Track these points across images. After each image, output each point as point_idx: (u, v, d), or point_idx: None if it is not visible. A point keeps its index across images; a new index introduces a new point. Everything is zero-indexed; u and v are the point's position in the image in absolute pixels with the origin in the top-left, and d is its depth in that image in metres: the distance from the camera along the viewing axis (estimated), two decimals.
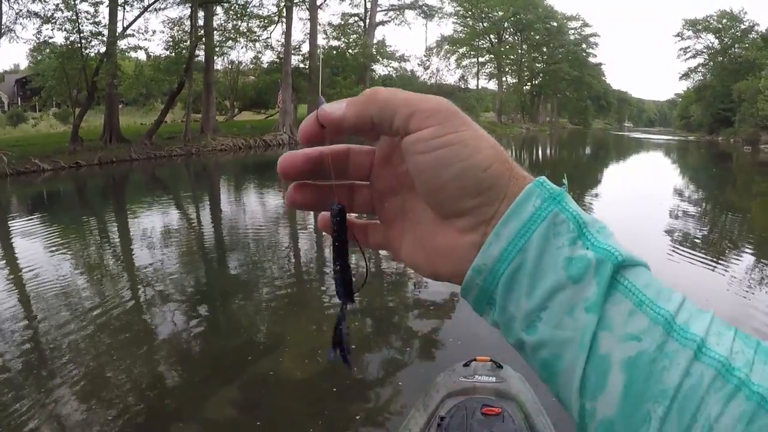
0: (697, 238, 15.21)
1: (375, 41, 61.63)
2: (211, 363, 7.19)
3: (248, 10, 47.14)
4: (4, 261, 12.84)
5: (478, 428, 2.97)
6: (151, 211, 19.66)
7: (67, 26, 35.67)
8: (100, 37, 36.83)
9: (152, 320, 8.79)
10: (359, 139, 0.54)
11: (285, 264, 12.14)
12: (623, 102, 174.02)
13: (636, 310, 0.51)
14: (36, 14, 35.68)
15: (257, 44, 53.42)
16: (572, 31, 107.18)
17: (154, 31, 59.98)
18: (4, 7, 33.75)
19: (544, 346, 0.55)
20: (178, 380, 6.78)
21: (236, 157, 41.47)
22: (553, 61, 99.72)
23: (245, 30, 47.32)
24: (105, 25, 37.18)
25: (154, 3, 40.21)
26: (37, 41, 36.71)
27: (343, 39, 59.70)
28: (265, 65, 61.71)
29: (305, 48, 58.11)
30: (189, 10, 41.81)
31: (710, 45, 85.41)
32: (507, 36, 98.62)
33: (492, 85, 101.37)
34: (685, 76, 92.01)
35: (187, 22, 42.00)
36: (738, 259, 12.66)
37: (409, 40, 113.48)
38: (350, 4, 68.66)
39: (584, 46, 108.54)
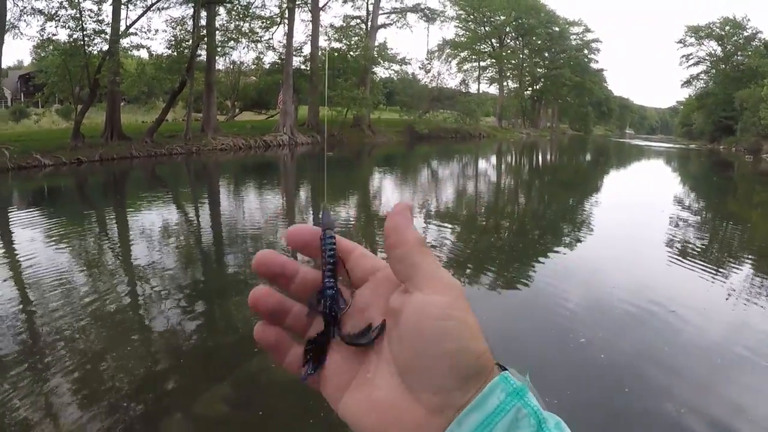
0: (697, 248, 15.22)
1: (377, 44, 61.73)
2: (205, 359, 7.29)
3: (251, 10, 47.31)
4: (3, 253, 13.01)
5: None
6: (151, 208, 19.84)
7: (71, 24, 35.82)
8: (103, 35, 36.97)
9: (147, 315, 8.89)
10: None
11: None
12: (625, 108, 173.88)
13: None
14: (40, 11, 35.91)
15: (259, 45, 53.54)
16: (574, 37, 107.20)
17: (156, 30, 60.43)
18: (9, 4, 34.04)
19: None
20: (170, 375, 6.85)
21: (236, 156, 41.59)
22: (554, 66, 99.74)
23: (247, 30, 47.43)
24: (108, 24, 37.32)
25: (157, 2, 40.48)
26: (41, 38, 36.89)
27: (344, 41, 59.77)
28: (267, 66, 61.87)
29: (307, 49, 58.32)
30: (192, 9, 42.03)
31: (713, 52, 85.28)
32: (509, 40, 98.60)
33: (493, 89, 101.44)
34: (687, 83, 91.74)
35: (190, 22, 42.19)
36: (737, 270, 12.73)
37: (410, 43, 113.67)
38: (352, 6, 68.70)
39: (586, 51, 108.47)
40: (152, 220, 16.82)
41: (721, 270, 12.64)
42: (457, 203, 22.42)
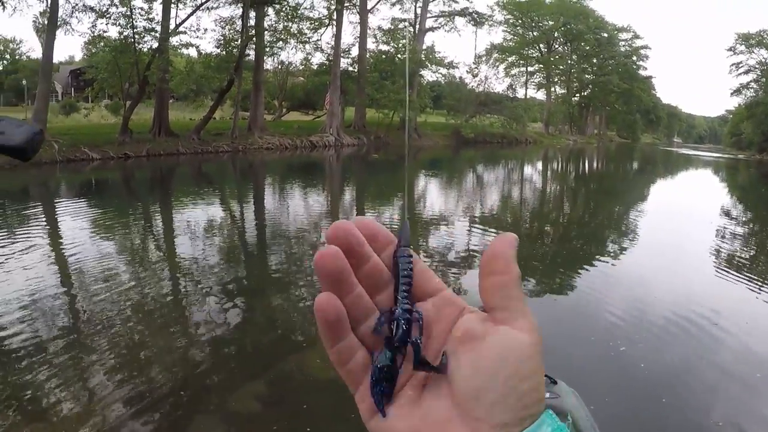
0: (743, 260, 14.79)
1: (424, 47, 61.64)
2: (241, 356, 7.26)
3: (299, 11, 47.50)
4: (50, 242, 13.08)
5: None
6: (196, 204, 19.85)
7: (121, 21, 36.48)
8: (152, 33, 37.52)
9: (187, 309, 8.90)
10: None
11: None
12: (673, 117, 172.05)
13: None
14: (91, 9, 36.51)
15: (307, 46, 53.85)
16: (623, 43, 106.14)
17: (205, 29, 60.90)
18: (61, 1, 34.48)
19: None
20: (206, 370, 6.84)
21: (282, 156, 41.74)
22: (602, 72, 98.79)
23: (296, 31, 47.66)
24: (158, 22, 37.84)
25: (206, 2, 40.84)
26: (92, 35, 37.51)
27: (392, 44, 59.76)
28: (315, 67, 62.07)
29: (355, 51, 58.41)
30: (241, 9, 42.25)
31: (763, 60, 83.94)
32: (557, 46, 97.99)
33: (540, 95, 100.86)
34: (737, 92, 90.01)
35: (239, 22, 42.43)
36: None
37: (458, 46, 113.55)
38: (401, 9, 68.66)
39: (634, 58, 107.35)
40: (197, 216, 16.85)
41: (766, 284, 12.32)
42: (501, 208, 22.16)
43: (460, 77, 73.99)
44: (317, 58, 62.33)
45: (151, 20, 37.64)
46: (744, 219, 23.96)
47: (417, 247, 13.93)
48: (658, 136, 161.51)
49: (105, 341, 7.29)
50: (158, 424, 5.57)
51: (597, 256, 13.77)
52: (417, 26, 64.89)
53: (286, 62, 65.10)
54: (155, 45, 37.42)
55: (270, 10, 45.87)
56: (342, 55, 55.62)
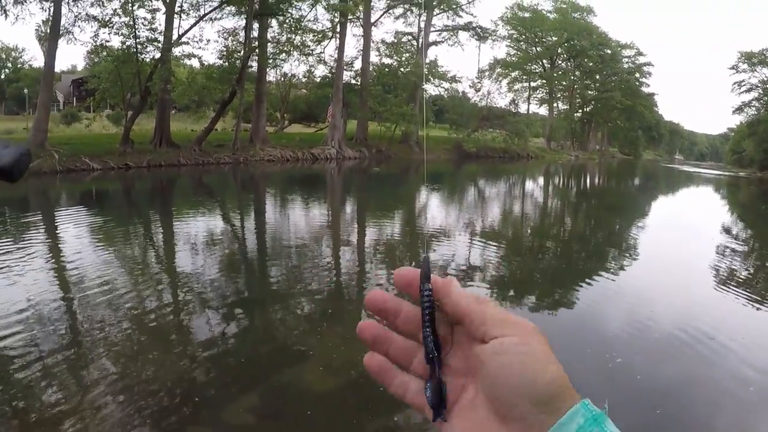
0: (742, 277, 14.69)
1: (427, 60, 61.74)
2: (237, 368, 7.20)
3: (303, 24, 47.49)
4: (50, 253, 13.00)
5: None
6: (196, 215, 19.79)
7: (124, 31, 36.48)
8: (155, 44, 37.53)
9: (185, 320, 8.84)
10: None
11: (324, 277, 12.00)
12: (675, 134, 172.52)
13: None
14: (94, 18, 36.54)
15: (310, 58, 53.84)
16: (626, 60, 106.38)
17: (208, 40, 60.62)
18: (64, 9, 34.48)
19: None
20: (202, 382, 6.79)
21: (283, 168, 41.72)
22: (605, 88, 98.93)
23: (299, 43, 47.61)
24: (161, 32, 37.92)
25: (209, 12, 40.82)
26: (94, 44, 37.46)
27: (395, 57, 59.78)
28: (318, 79, 62.15)
29: (358, 64, 58.51)
30: (244, 21, 42.27)
31: (765, 79, 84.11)
32: (560, 61, 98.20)
33: (543, 110, 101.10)
34: (739, 110, 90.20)
35: (242, 33, 42.45)
36: None
37: (461, 61, 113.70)
38: (404, 23, 68.93)
39: (637, 75, 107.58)
40: (196, 227, 16.79)
41: (765, 301, 12.23)
42: (502, 224, 22.05)
43: (463, 91, 74.09)
44: (320, 71, 62.48)
45: (153, 30, 37.78)
46: (744, 236, 23.93)
47: (419, 260, 13.81)
48: (659, 153, 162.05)
49: (101, 351, 7.28)
50: None
51: (597, 271, 13.71)
52: (420, 40, 65.02)
53: (289, 74, 65.30)
54: (158, 55, 37.46)
55: (273, 22, 45.94)
56: (345, 67, 55.77)
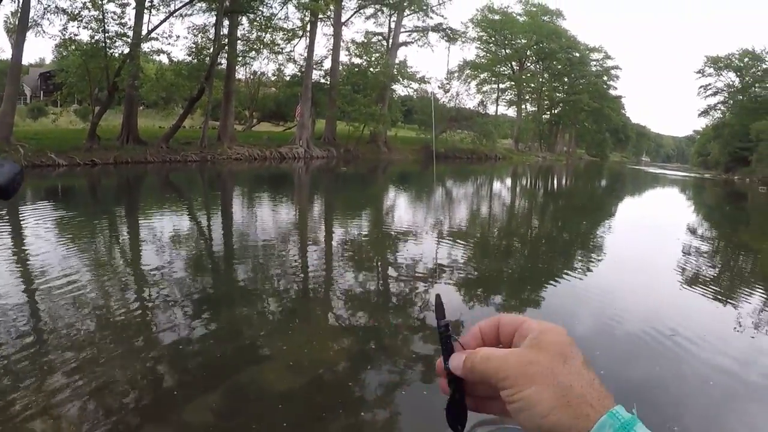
0: (708, 276, 14.99)
1: (397, 61, 61.80)
2: (200, 367, 7.16)
3: (273, 22, 47.39)
4: (12, 251, 12.96)
5: None
6: (162, 213, 19.75)
7: (93, 25, 36.06)
8: (124, 38, 37.20)
9: (148, 318, 8.75)
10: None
11: (290, 277, 12.01)
12: (642, 136, 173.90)
13: None
14: (63, 11, 36.15)
15: (280, 56, 53.75)
16: (594, 63, 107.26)
17: (178, 36, 60.12)
18: (33, 1, 34.21)
19: None
20: (162, 380, 6.75)
21: (251, 167, 41.63)
22: (573, 91, 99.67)
23: (269, 41, 47.50)
24: (130, 27, 37.60)
25: (180, 8, 40.65)
26: (63, 37, 37.07)
27: (365, 57, 59.82)
28: (287, 78, 62.01)
29: (327, 63, 58.54)
30: (214, 17, 42.16)
31: (731, 83, 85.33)
32: (529, 64, 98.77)
33: (511, 112, 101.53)
34: (705, 113, 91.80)
35: (212, 30, 42.32)
36: (747, 300, 12.56)
37: (431, 62, 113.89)
38: (375, 23, 68.98)
39: (605, 78, 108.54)
40: (162, 226, 16.71)
41: (731, 299, 12.49)
42: (470, 225, 22.14)
43: (432, 92, 74.32)
44: (290, 69, 62.41)
45: (123, 25, 37.29)
46: (709, 236, 24.32)
47: (386, 260, 14.04)
48: (626, 155, 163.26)
49: (59, 348, 7.25)
50: None
51: (564, 270, 13.85)
52: (390, 40, 65.11)
53: (259, 72, 65.15)
54: (126, 50, 37.09)
55: (244, 20, 45.73)
56: (315, 67, 55.79)
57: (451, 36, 71.38)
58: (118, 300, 9.42)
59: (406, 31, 67.78)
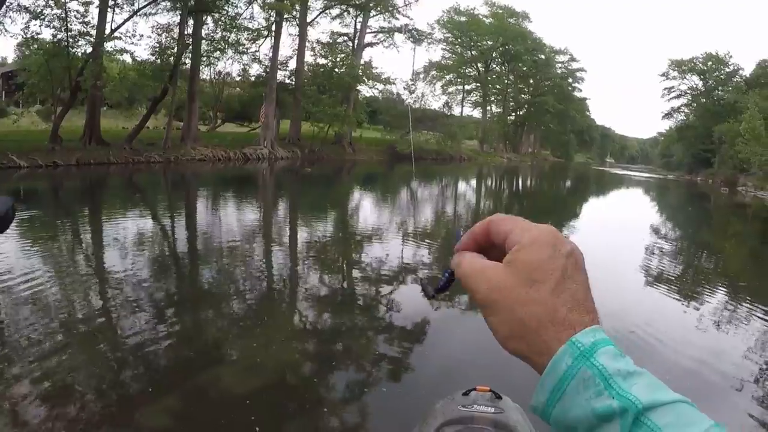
0: (670, 275, 15.37)
1: (362, 62, 61.79)
2: (158, 370, 7.13)
3: (238, 21, 47.21)
4: None
5: None
6: (125, 216, 19.64)
7: (56, 24, 35.66)
8: (87, 37, 36.86)
9: (106, 320, 8.68)
10: None
11: (254, 279, 12.01)
12: (606, 137, 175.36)
13: None
14: (26, 9, 35.63)
15: (245, 56, 53.60)
16: (559, 65, 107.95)
17: (141, 36, 59.46)
18: None
19: None
20: (120, 383, 6.65)
21: (215, 168, 41.48)
22: (538, 92, 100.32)
23: (234, 41, 47.31)
24: (93, 26, 37.23)
25: (144, 7, 40.34)
26: (25, 36, 36.65)
27: (330, 57, 59.71)
28: (253, 78, 61.84)
29: (292, 64, 58.36)
30: (178, 17, 41.95)
31: (694, 86, 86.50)
32: (494, 65, 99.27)
33: (476, 113, 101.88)
34: (668, 115, 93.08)
35: (176, 29, 42.11)
36: (708, 298, 12.85)
37: (396, 63, 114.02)
38: (341, 23, 68.80)
39: (570, 80, 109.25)
40: (125, 229, 16.60)
41: (693, 298, 12.74)
42: (435, 225, 22.28)
43: (397, 93, 74.41)
44: (255, 70, 62.13)
45: (86, 24, 36.88)
46: (673, 236, 24.81)
47: (350, 261, 14.25)
48: (591, 156, 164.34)
49: (13, 349, 7.23)
50: None
51: None
52: (356, 41, 65.10)
53: (224, 72, 64.86)
54: (89, 50, 36.79)
55: (209, 19, 45.47)
56: (280, 67, 55.71)
57: (417, 37, 71.47)
58: (76, 302, 9.39)
59: (372, 32, 67.97)
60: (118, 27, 38.90)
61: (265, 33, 54.06)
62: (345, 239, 17.50)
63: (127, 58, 41.73)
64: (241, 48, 49.33)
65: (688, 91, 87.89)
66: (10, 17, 36.28)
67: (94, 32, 37.07)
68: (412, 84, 74.23)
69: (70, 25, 36.00)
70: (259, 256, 14.56)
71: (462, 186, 46.42)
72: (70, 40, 36.16)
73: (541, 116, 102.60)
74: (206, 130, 59.45)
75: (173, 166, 38.73)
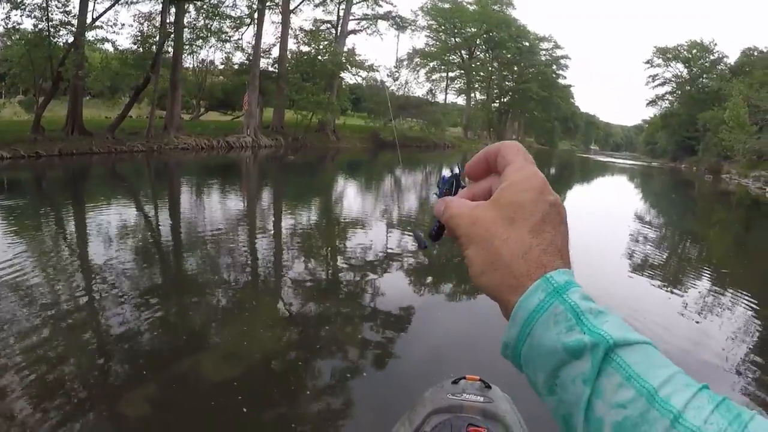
0: (654, 262, 15.55)
1: (345, 49, 61.69)
2: (138, 357, 7.08)
3: (220, 9, 47.07)
4: None
5: None
6: (108, 205, 19.60)
7: (37, 13, 35.46)
8: (68, 27, 36.65)
9: (87, 310, 8.72)
10: None
11: (237, 267, 12.07)
12: (590, 125, 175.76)
13: (624, 383, 0.62)
14: None
15: (227, 45, 53.48)
16: (543, 52, 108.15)
17: (123, 25, 59.07)
18: None
19: (561, 406, 0.68)
20: (100, 372, 6.68)
21: (198, 156, 41.35)
22: (522, 80, 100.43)
23: (216, 29, 47.18)
24: (75, 15, 36.97)
25: None
26: (6, 26, 36.46)
27: (313, 45, 59.57)
28: (236, 66, 61.65)
29: (276, 51, 58.20)
30: (160, 5, 41.77)
31: (679, 74, 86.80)
32: (478, 53, 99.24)
33: (460, 100, 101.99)
34: (653, 102, 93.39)
35: (158, 18, 41.92)
36: (692, 285, 13.09)
37: (380, 50, 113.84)
38: (324, 10, 68.63)
39: (554, 67, 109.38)
40: (109, 219, 16.54)
41: (677, 285, 12.93)
42: (419, 212, 22.36)
43: (381, 80, 74.38)
44: (238, 58, 61.98)
45: (67, 13, 36.66)
46: (657, 223, 25.10)
47: (334, 249, 14.18)
48: (575, 143, 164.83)
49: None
50: (42, 425, 5.43)
51: None
52: (339, 28, 65.03)
53: (206, 61, 64.63)
54: (71, 39, 36.59)
55: (191, 7, 45.29)
56: (263, 55, 55.46)
57: (401, 24, 71.57)
58: (59, 292, 9.37)
59: (355, 19, 67.92)
60: (100, 16, 38.65)
61: (248, 21, 53.92)
62: (329, 227, 17.61)
63: (108, 47, 41.46)
64: (223, 36, 49.35)
65: (673, 79, 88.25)
66: None
67: (75, 21, 36.82)
68: (396, 71, 74.27)
69: (51, 14, 35.79)
70: (243, 244, 14.60)
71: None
72: (52, 29, 35.93)
73: (525, 103, 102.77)
74: (189, 118, 59.19)
75: (156, 155, 38.57)
